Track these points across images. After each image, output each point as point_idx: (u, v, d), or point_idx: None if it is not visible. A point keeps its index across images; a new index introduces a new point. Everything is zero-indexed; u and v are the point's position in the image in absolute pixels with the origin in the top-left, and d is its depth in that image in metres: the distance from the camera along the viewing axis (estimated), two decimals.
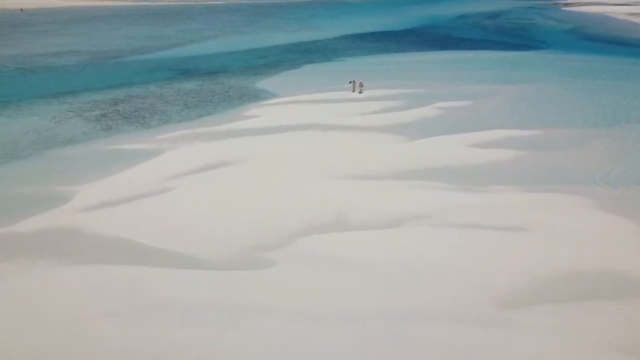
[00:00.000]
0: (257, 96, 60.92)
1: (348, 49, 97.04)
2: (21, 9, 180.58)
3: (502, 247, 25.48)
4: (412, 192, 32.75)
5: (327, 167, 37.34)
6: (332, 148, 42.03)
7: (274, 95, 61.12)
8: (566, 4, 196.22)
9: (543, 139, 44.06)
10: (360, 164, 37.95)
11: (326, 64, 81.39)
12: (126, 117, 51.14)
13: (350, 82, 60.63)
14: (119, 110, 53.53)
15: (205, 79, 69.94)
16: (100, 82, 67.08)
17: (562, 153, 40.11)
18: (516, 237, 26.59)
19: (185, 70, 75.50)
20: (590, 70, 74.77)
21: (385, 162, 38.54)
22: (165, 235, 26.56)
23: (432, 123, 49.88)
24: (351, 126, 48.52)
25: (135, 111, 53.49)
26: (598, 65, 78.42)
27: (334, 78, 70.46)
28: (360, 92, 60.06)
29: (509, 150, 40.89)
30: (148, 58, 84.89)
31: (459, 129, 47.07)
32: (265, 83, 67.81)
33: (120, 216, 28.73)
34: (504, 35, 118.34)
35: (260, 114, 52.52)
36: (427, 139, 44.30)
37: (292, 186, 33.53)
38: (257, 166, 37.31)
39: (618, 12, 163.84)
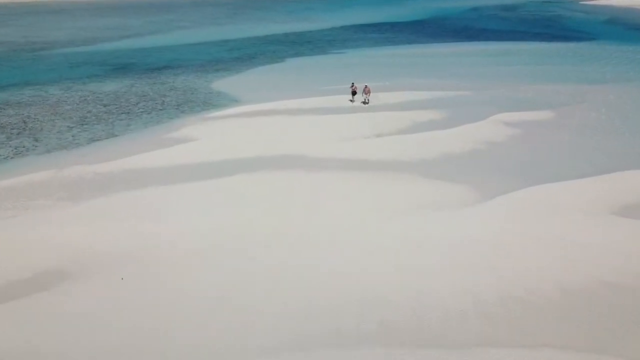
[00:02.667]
0: (207, 103, 37.58)
1: (348, 40, 73.45)
2: None
3: None
4: None
5: (324, 312, 14.27)
6: (328, 231, 18.90)
7: (233, 102, 37.85)
8: None
9: None
10: (401, 289, 14.87)
11: (318, 58, 57.92)
12: None
13: (351, 86, 37.43)
14: None
15: (142, 76, 46.49)
16: None
17: None
18: None
19: (122, 65, 52.05)
20: None
21: (453, 269, 15.49)
22: None
23: (510, 155, 27.06)
24: (360, 164, 25.74)
25: None
26: None
27: (328, 76, 47.20)
28: (365, 102, 36.83)
29: None
30: (84, 50, 61.50)
31: (570, 167, 24.01)
32: (227, 83, 44.40)
33: None
34: (535, 26, 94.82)
35: (198, 136, 29.40)
36: (521, 196, 21.20)
37: None
38: (136, 303, 14.32)
39: None
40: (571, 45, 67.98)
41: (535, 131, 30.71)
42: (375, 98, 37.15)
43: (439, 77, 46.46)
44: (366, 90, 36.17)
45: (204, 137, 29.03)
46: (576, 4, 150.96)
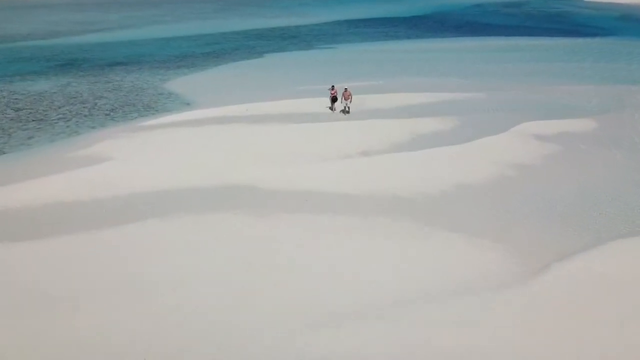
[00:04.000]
0: (149, 107, 29.25)
1: (339, 34, 64.72)
2: None
3: None
4: None
5: None
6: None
7: (183, 105, 29.57)
8: None
9: None
10: None
11: (302, 53, 49.16)
12: None
13: (330, 89, 28.15)
14: None
15: (86, 74, 37.94)
16: None
17: None
18: None
19: (71, 60, 43.53)
20: None
21: None
22: None
23: (555, 186, 18.82)
24: (337, 202, 17.38)
25: None
26: None
27: (309, 74, 38.78)
28: (346, 110, 27.55)
29: None
30: (36, 45, 52.76)
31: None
32: (185, 81, 35.86)
33: None
34: (543, 21, 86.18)
35: (112, 155, 21.12)
36: (589, 265, 12.54)
37: None
38: None
39: None
40: (588, 40, 59.17)
41: (580, 148, 22.18)
42: (362, 102, 28.61)
43: (442, 75, 37.88)
44: (345, 95, 26.96)
45: (120, 156, 20.44)
46: (581, 2, 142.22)
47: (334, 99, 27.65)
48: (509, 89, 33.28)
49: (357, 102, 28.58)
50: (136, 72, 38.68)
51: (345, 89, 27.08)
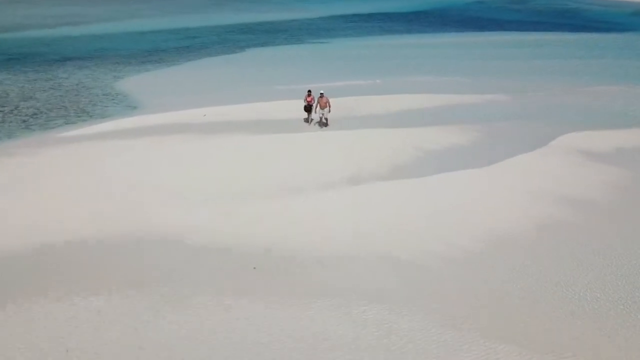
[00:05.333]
0: (83, 112, 23.04)
1: (334, 29, 58.14)
2: None
3: None
4: None
5: None
6: None
7: (126, 109, 23.44)
8: None
9: None
10: None
11: (290, 48, 42.56)
12: None
13: (307, 95, 20.62)
14: None
15: (27, 71, 31.51)
16: None
17: None
18: None
19: (17, 55, 36.95)
20: None
21: None
22: None
23: None
24: (303, 272, 10.21)
25: None
26: None
27: (293, 71, 32.42)
28: (323, 122, 20.45)
29: None
30: None
31: None
32: (142, 79, 29.57)
33: None
34: (554, 17, 79.69)
35: None
36: None
37: None
38: None
39: None
40: (603, 36, 52.32)
41: None
42: (354, 105, 22.23)
43: (449, 73, 31.35)
44: (322, 102, 19.83)
45: None
46: None
47: (308, 107, 20.47)
48: (531, 90, 26.80)
49: (347, 105, 22.20)
50: (90, 68, 32.13)
51: (321, 94, 19.90)
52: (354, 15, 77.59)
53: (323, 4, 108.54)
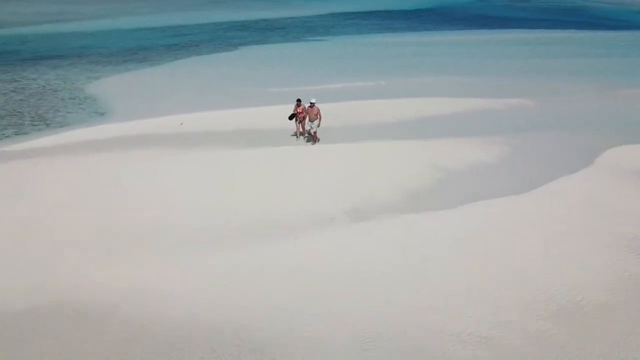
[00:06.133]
0: (40, 118, 19.62)
1: (334, 26, 54.53)
2: None
3: None
4: None
5: None
6: None
7: (96, 115, 20.03)
8: None
9: None
10: None
11: (286, 46, 38.99)
12: None
13: (296, 105, 16.53)
14: None
15: None
16: None
17: None
18: None
19: None
20: None
21: None
22: None
23: None
24: None
25: None
26: None
27: (288, 72, 28.82)
28: (310, 133, 16.55)
29: None
30: None
31: None
32: (119, 80, 26.14)
33: None
34: (562, 14, 76.25)
35: None
36: None
37: None
38: None
39: None
40: (616, 34, 48.63)
41: None
42: (356, 111, 18.79)
43: (461, 73, 27.79)
44: (311, 114, 16.08)
45: None
46: None
47: (293, 116, 16.51)
48: (556, 93, 23.30)
49: (347, 111, 18.78)
50: (64, 68, 28.61)
51: (312, 104, 16.01)
52: (354, 12, 74.01)
53: (321, 0, 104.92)
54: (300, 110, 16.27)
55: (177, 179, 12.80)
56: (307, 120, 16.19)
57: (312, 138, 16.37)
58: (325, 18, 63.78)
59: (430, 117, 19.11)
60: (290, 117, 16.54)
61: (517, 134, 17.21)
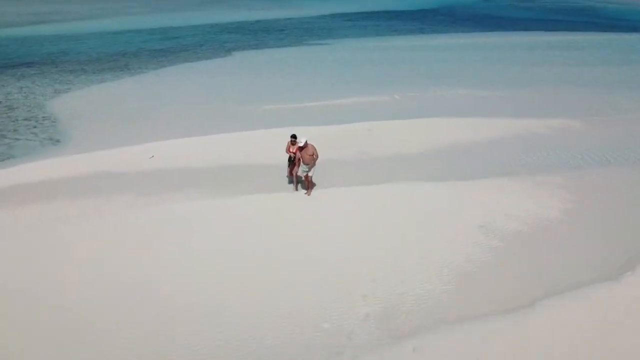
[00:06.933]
0: None
1: (336, 28, 50.60)
2: None
3: None
4: None
5: None
6: None
7: (49, 144, 16.11)
8: None
9: None
10: None
11: (285, 51, 35.06)
12: None
13: (290, 141, 11.87)
14: None
15: None
16: None
17: None
18: None
19: None
20: None
21: None
22: None
23: None
24: None
25: None
26: None
27: (290, 81, 24.92)
28: (302, 184, 12.15)
29: None
30: None
31: None
32: (89, 95, 22.08)
33: None
34: (571, 15, 72.37)
35: None
36: None
37: None
38: None
39: None
40: (637, 36, 45.05)
41: None
42: (363, 143, 14.93)
43: (487, 84, 23.89)
44: (305, 156, 11.62)
45: None
46: None
47: (290, 160, 12.10)
48: (605, 111, 19.42)
49: (358, 137, 14.94)
50: (31, 78, 24.62)
51: (305, 143, 11.63)
52: (355, 13, 70.00)
53: (321, 0, 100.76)
54: (295, 150, 11.90)
55: (122, 263, 8.90)
56: (299, 159, 11.80)
57: (306, 184, 11.98)
58: (326, 19, 59.82)
59: (463, 145, 15.23)
60: (290, 161, 12.10)
61: (576, 172, 13.33)
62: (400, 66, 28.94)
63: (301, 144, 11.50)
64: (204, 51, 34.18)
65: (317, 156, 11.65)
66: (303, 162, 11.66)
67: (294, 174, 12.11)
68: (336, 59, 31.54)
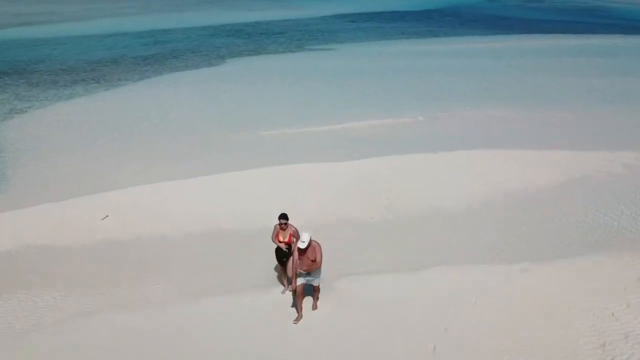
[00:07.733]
0: None
1: (339, 31, 46.72)
2: None
3: None
4: None
5: None
6: None
7: None
8: None
9: None
10: None
11: (285, 58, 31.24)
12: None
13: (279, 224, 7.75)
14: None
15: None
16: None
17: None
18: None
19: None
20: None
21: None
22: None
23: None
24: None
25: None
26: None
27: (290, 98, 20.75)
28: (294, 290, 7.61)
29: None
30: None
31: None
32: (44, 119, 18.32)
33: None
34: (583, 16, 68.49)
35: None
36: None
37: None
38: None
39: None
40: None
41: None
42: (390, 191, 11.08)
43: (528, 100, 19.92)
44: (306, 261, 7.34)
45: None
46: None
47: (280, 253, 7.99)
48: None
49: (389, 180, 11.10)
50: None
51: (309, 243, 7.27)
52: (358, 14, 65.89)
53: (322, 0, 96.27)
54: (288, 240, 7.83)
55: None
56: (295, 261, 7.43)
57: (312, 295, 7.80)
58: (328, 20, 55.82)
59: (521, 193, 11.32)
60: (280, 255, 8.05)
61: None
62: (414, 76, 24.98)
63: (303, 245, 7.24)
64: (194, 58, 30.19)
65: (320, 254, 7.44)
66: (301, 267, 7.40)
67: (285, 276, 8.08)
68: (341, 67, 27.53)
